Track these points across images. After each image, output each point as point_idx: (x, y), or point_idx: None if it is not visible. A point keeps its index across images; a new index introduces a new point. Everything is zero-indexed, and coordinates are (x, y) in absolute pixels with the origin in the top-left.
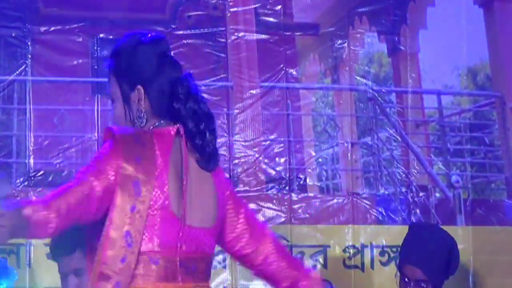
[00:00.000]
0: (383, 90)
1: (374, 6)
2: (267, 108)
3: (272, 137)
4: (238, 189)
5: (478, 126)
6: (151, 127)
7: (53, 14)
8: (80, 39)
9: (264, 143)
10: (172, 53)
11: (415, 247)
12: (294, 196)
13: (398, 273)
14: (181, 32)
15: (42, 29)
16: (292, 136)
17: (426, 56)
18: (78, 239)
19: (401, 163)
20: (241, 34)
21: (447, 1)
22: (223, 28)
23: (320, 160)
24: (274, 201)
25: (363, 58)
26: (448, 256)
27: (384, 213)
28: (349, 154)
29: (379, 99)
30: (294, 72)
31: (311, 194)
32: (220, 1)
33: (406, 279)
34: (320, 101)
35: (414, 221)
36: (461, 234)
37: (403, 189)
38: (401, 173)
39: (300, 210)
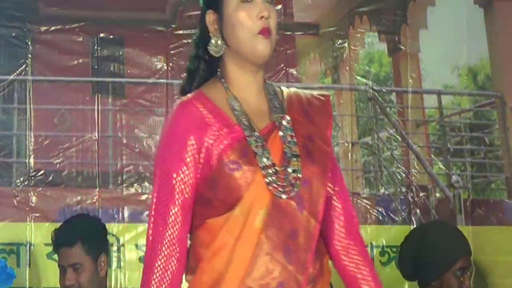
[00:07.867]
0: (384, 90)
1: (374, 6)
2: None
3: None
4: None
5: (478, 126)
6: None
7: (53, 14)
8: (81, 39)
9: None
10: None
11: (455, 239)
12: None
13: (451, 273)
14: (181, 31)
15: (43, 28)
16: None
17: (427, 56)
18: (80, 232)
19: (401, 163)
20: None
21: (448, 1)
22: None
23: None
24: None
25: (364, 58)
26: None
27: (384, 213)
28: (349, 154)
29: (380, 99)
30: (295, 72)
31: None
32: None
33: (460, 273)
34: None
35: (414, 221)
36: None
37: (403, 189)
38: (401, 173)
39: None
